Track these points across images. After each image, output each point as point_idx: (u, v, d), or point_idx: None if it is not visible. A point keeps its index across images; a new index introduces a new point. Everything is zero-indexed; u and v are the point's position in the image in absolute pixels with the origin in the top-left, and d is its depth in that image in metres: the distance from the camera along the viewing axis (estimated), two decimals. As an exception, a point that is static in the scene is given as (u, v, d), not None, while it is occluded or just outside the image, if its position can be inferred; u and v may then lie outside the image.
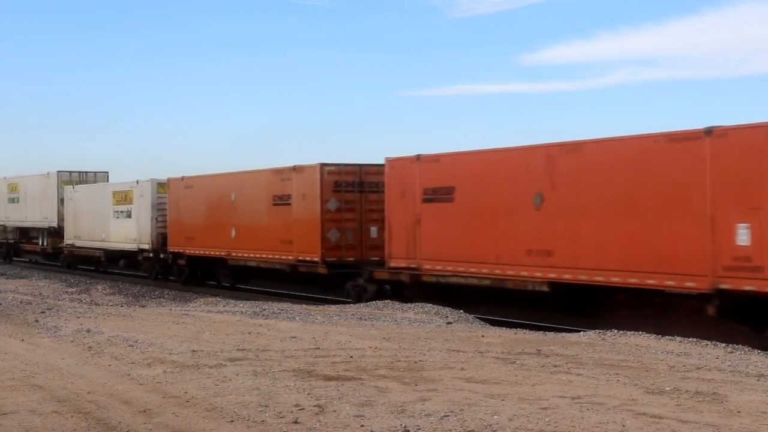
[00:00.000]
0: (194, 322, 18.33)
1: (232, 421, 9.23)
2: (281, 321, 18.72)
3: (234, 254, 31.05)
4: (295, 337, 15.78)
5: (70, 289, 32.08)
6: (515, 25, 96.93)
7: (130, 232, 37.94)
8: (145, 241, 36.82)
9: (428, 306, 20.90)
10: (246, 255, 30.43)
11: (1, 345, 15.30)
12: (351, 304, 23.63)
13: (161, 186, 36.37)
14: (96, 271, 42.86)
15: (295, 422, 9.08)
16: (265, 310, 21.12)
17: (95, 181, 45.55)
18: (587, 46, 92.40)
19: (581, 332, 16.84)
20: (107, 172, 47.52)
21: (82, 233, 42.60)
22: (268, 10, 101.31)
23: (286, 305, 22.80)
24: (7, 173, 59.44)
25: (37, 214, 47.64)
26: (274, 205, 28.63)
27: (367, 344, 14.72)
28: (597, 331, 16.59)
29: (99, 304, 24.69)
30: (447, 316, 19.71)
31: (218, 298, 26.41)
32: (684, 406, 9.74)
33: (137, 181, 37.87)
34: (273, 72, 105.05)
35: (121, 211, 38.78)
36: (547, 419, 9.10)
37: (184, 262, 34.53)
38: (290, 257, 27.55)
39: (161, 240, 36.03)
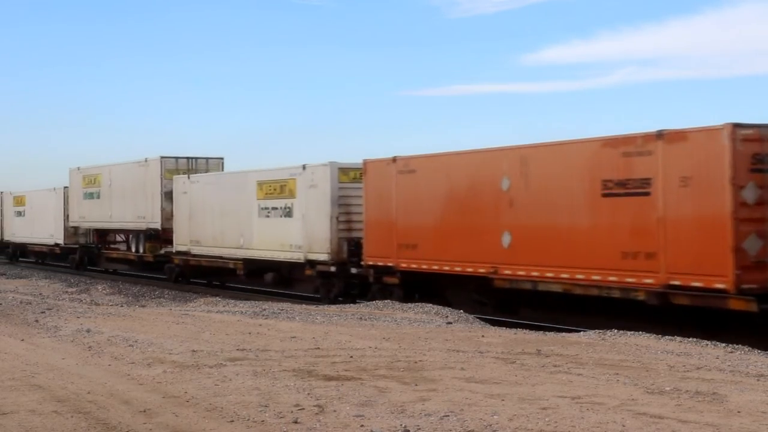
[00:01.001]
0: (194, 322, 18.33)
1: (232, 421, 9.23)
2: (281, 321, 18.72)
3: (508, 272, 20.46)
4: (295, 337, 15.78)
5: (70, 289, 32.09)
6: (515, 25, 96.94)
7: (289, 236, 27.67)
8: (320, 249, 26.32)
9: (428, 306, 20.90)
10: (537, 274, 19.73)
11: (1, 345, 15.30)
12: (352, 304, 23.62)
13: (343, 173, 26.40)
14: (221, 286, 33.52)
15: (295, 422, 9.08)
16: (265, 310, 21.12)
17: (207, 170, 36.01)
18: (587, 46, 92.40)
19: (581, 332, 16.84)
20: (222, 159, 37.68)
21: (203, 237, 32.58)
22: (268, 10, 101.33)
23: (286, 305, 22.80)
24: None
25: (127, 211, 38.07)
26: (606, 195, 18.15)
27: (367, 344, 14.72)
28: (597, 331, 16.59)
29: (99, 304, 24.68)
30: (447, 316, 19.71)
31: (218, 298, 26.41)
32: (684, 406, 9.74)
33: (303, 166, 27.23)
34: (273, 72, 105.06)
35: (274, 208, 28.53)
36: (547, 419, 9.10)
37: (397, 280, 23.73)
38: (651, 281, 17.26)
39: (347, 248, 25.84)
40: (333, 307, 22.19)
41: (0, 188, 56.17)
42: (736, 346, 14.58)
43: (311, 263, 26.75)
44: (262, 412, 9.54)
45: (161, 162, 36.00)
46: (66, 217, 44.40)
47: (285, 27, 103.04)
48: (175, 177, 34.92)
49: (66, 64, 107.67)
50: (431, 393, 10.51)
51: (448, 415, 9.26)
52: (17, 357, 13.90)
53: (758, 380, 11.40)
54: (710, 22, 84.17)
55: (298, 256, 27.31)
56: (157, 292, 32.23)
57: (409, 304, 21.35)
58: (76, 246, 44.31)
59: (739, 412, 9.44)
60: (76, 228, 43.98)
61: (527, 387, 10.89)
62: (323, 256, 26.17)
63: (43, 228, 47.18)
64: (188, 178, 34.09)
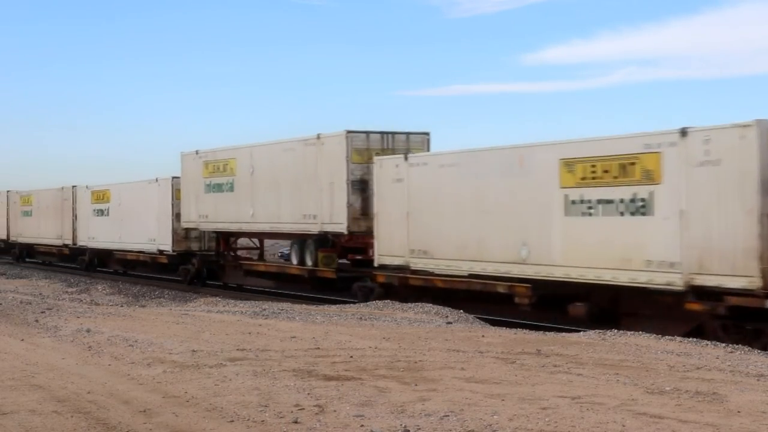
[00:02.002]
0: (194, 322, 18.33)
1: (232, 421, 9.23)
2: (281, 321, 18.72)
3: None
4: (295, 337, 15.78)
5: (70, 289, 32.09)
6: (516, 24, 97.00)
7: (643, 246, 17.34)
8: (727, 268, 15.80)
9: (428, 306, 20.88)
10: None
11: (1, 345, 15.30)
12: (351, 304, 23.62)
13: None
14: (491, 320, 20.30)
15: (295, 422, 9.08)
16: (265, 310, 21.12)
17: (408, 149, 25.32)
18: (588, 46, 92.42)
19: (581, 332, 16.83)
20: (427, 134, 26.90)
21: (436, 246, 22.38)
22: (268, 10, 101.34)
23: (286, 305, 22.79)
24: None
25: (284, 209, 27.70)
26: None
27: (367, 344, 14.72)
28: (597, 331, 16.58)
29: (99, 304, 24.68)
30: (447, 316, 19.70)
31: (218, 298, 26.41)
32: (684, 406, 9.74)
33: (683, 131, 16.64)
34: (273, 72, 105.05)
35: (604, 201, 18.09)
36: (547, 419, 9.10)
37: None
38: None
39: None
40: (333, 307, 22.18)
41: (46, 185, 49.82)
42: (736, 346, 14.58)
43: (701, 291, 16.31)
44: (262, 412, 9.54)
45: (347, 139, 25.16)
46: (175, 217, 34.48)
47: (285, 27, 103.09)
48: (377, 159, 24.50)
49: (63, 65, 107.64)
50: (431, 393, 10.51)
51: (448, 415, 9.26)
52: (17, 357, 13.90)
53: (758, 380, 11.40)
54: (710, 22, 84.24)
55: (666, 280, 16.80)
56: (156, 292, 32.24)
57: (409, 304, 21.33)
58: (193, 253, 34.69)
59: (739, 412, 9.44)
60: (187, 231, 34.49)
61: (527, 387, 10.89)
62: (739, 282, 15.61)
63: (139, 231, 37.27)
64: (405, 159, 23.53)
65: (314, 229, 26.54)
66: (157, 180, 36.21)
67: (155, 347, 14.48)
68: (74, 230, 43.80)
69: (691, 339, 15.27)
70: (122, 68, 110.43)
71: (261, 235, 32.15)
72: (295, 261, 28.12)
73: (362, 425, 8.93)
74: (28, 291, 30.26)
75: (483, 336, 16.14)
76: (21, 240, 51.15)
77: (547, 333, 17.07)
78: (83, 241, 42.89)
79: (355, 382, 11.29)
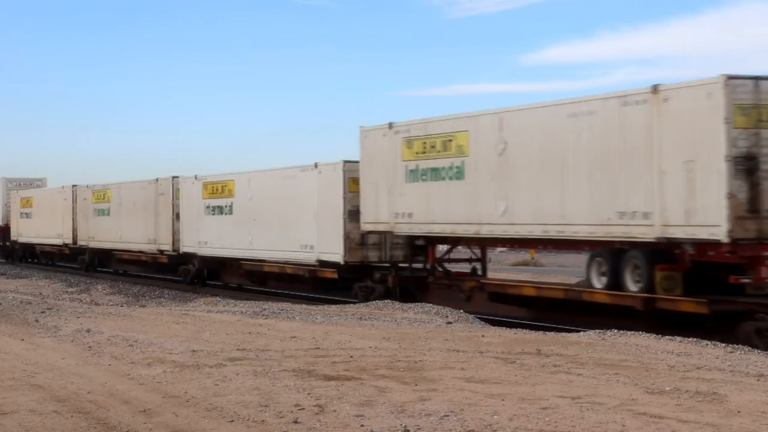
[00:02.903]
0: (194, 322, 18.33)
1: (232, 420, 9.23)
2: (281, 321, 18.72)
3: None
4: (295, 336, 15.78)
5: (70, 289, 32.08)
6: (516, 24, 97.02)
7: None
8: None
9: (428, 306, 20.89)
10: None
11: (1, 345, 15.29)
12: (351, 304, 23.62)
13: None
14: None
15: (295, 422, 9.08)
16: (265, 310, 21.12)
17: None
18: (588, 46, 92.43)
19: (581, 332, 16.83)
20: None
21: None
22: (268, 9, 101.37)
23: (286, 305, 22.79)
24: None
25: (576, 202, 18.51)
26: None
27: (367, 344, 14.72)
28: (597, 331, 16.57)
29: (99, 304, 24.69)
30: (447, 316, 19.70)
31: (218, 298, 26.40)
32: (684, 406, 9.74)
33: None
34: (273, 71, 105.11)
35: None
36: (547, 419, 9.10)
37: None
38: None
39: None
40: (333, 307, 22.18)
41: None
42: (736, 346, 14.58)
43: None
44: (262, 412, 9.53)
45: (726, 87, 15.61)
46: (347, 216, 25.20)
47: (285, 27, 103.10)
48: None
49: (65, 64, 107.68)
50: (431, 393, 10.50)
51: (448, 415, 9.26)
52: (17, 357, 13.90)
53: (758, 380, 11.40)
54: (711, 22, 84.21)
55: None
56: (156, 292, 32.21)
57: (409, 304, 21.34)
58: (373, 265, 25.50)
59: (739, 412, 9.44)
60: (363, 235, 25.20)
61: (527, 387, 10.88)
62: None
63: (283, 235, 28.01)
64: None
65: (647, 233, 16.95)
66: (316, 166, 26.53)
67: (155, 347, 14.48)
68: (175, 233, 34.26)
69: (691, 339, 15.26)
70: (123, 70, 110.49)
71: (524, 243, 23.76)
72: (598, 283, 18.53)
73: (362, 425, 8.93)
74: (28, 291, 30.27)
75: (483, 336, 16.14)
76: (93, 245, 41.27)
77: (547, 333, 17.07)
78: (190, 246, 33.35)
79: (355, 382, 11.29)
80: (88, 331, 16.69)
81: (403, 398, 10.20)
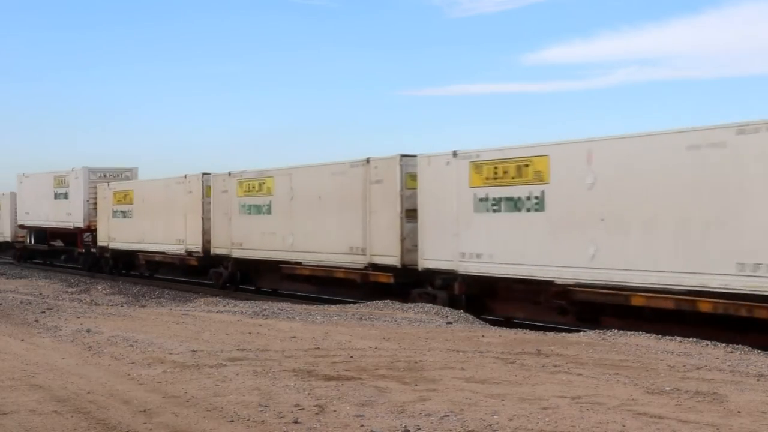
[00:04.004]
0: (194, 322, 18.33)
1: (232, 421, 9.24)
2: (281, 321, 18.72)
3: None
4: (295, 337, 15.79)
5: (70, 289, 32.08)
6: (516, 24, 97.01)
7: None
8: None
9: (428, 306, 20.91)
10: None
11: (1, 345, 15.30)
12: (351, 304, 23.63)
13: None
14: None
15: (295, 422, 9.08)
16: (265, 310, 21.13)
17: None
18: (588, 46, 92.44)
19: (581, 332, 16.84)
20: None
21: None
22: (268, 9, 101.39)
23: (286, 305, 22.80)
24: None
25: None
26: None
27: (367, 344, 14.73)
28: (597, 331, 16.59)
29: (99, 304, 24.69)
30: (447, 316, 19.71)
31: (218, 298, 26.41)
32: (684, 406, 9.74)
33: None
34: (273, 72, 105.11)
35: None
36: (547, 419, 9.10)
37: None
38: None
39: None
40: (333, 307, 22.18)
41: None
42: (736, 346, 14.58)
43: None
44: (262, 412, 9.54)
45: None
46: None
47: (285, 27, 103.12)
48: None
49: (66, 64, 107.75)
50: (431, 393, 10.51)
51: (448, 415, 9.27)
52: (17, 357, 13.90)
53: (758, 380, 11.40)
54: (712, 21, 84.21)
55: None
56: (156, 292, 32.22)
57: (409, 304, 21.37)
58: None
59: (739, 412, 9.45)
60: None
61: (527, 387, 10.89)
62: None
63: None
64: None
65: None
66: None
67: (155, 347, 14.48)
68: (404, 239, 23.06)
69: (691, 339, 15.28)
70: (123, 70, 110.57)
71: None
72: None
73: (362, 425, 8.93)
74: (28, 291, 30.26)
75: (483, 336, 16.14)
76: (239, 254, 30.33)
77: (547, 333, 17.08)
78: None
79: (355, 382, 11.30)
80: (88, 331, 16.70)
81: (403, 398, 10.20)
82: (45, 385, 11.41)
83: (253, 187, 29.61)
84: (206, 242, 32.22)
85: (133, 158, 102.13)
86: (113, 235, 39.12)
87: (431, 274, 22.26)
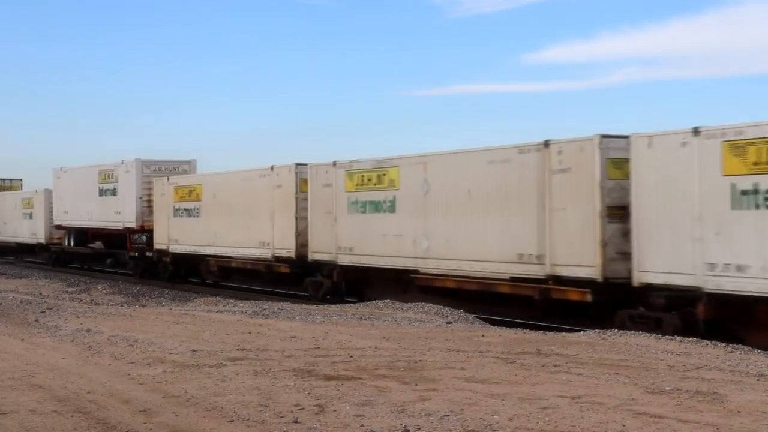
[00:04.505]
0: (194, 322, 18.33)
1: (232, 420, 9.23)
2: (281, 321, 18.72)
3: None
4: (295, 336, 15.78)
5: (70, 289, 32.07)
6: (517, 24, 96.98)
7: None
8: None
9: (428, 306, 20.90)
10: None
11: (1, 345, 15.30)
12: (351, 304, 23.63)
13: None
14: None
15: (295, 422, 9.08)
16: (265, 309, 21.13)
17: None
18: (589, 46, 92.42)
19: (581, 332, 16.84)
20: None
21: None
22: (268, 9, 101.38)
23: (286, 305, 22.80)
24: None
25: None
26: None
27: (367, 344, 14.72)
28: (597, 330, 16.59)
29: (99, 304, 24.68)
30: (447, 316, 19.71)
31: (218, 298, 26.39)
32: (684, 405, 9.74)
33: None
34: (273, 72, 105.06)
35: None
36: (547, 419, 9.10)
37: None
38: None
39: None
40: (333, 307, 22.18)
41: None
42: (736, 346, 14.58)
43: None
44: (262, 412, 9.53)
45: None
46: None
47: (286, 27, 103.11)
48: None
49: (66, 64, 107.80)
50: (431, 393, 10.51)
51: (448, 415, 9.26)
52: (17, 356, 13.90)
53: (758, 380, 11.40)
54: (712, 21, 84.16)
55: None
56: (157, 292, 32.20)
57: (409, 304, 21.34)
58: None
59: (739, 411, 9.44)
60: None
61: (527, 387, 10.89)
62: None
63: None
64: None
65: None
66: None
67: (155, 347, 14.48)
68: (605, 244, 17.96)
69: (691, 339, 15.28)
70: (124, 70, 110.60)
71: None
72: None
73: (362, 425, 8.93)
74: (28, 291, 30.24)
75: (483, 336, 16.14)
76: (347, 260, 25.18)
77: (547, 333, 17.08)
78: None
79: (355, 381, 11.29)
80: (88, 330, 16.69)
81: (403, 398, 10.20)
82: (45, 385, 11.41)
83: (369, 180, 24.34)
84: (300, 246, 26.86)
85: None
86: (175, 236, 33.66)
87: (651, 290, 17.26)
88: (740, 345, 14.73)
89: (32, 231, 47.73)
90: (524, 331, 17.42)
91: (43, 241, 46.58)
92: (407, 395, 10.37)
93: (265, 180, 28.58)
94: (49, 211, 45.20)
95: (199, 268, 33.04)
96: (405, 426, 8.83)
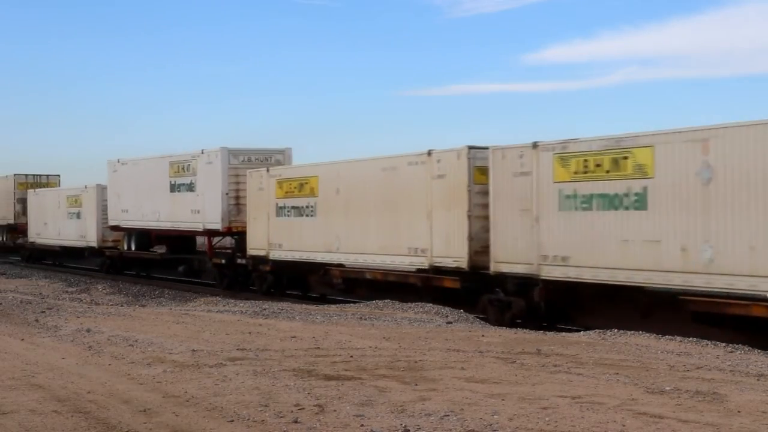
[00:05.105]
0: (194, 322, 18.33)
1: (232, 420, 9.23)
2: (281, 321, 18.72)
3: None
4: (295, 336, 15.78)
5: (70, 289, 32.07)
6: (517, 24, 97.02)
7: None
8: None
9: (428, 306, 20.89)
10: None
11: (1, 345, 15.29)
12: (351, 304, 23.62)
13: None
14: None
15: (295, 422, 9.08)
16: (265, 309, 21.12)
17: None
18: (589, 46, 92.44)
19: (581, 332, 16.84)
20: None
21: None
22: (268, 9, 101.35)
23: (285, 305, 22.79)
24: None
25: None
26: None
27: (367, 344, 14.72)
28: (597, 330, 16.58)
29: (99, 304, 24.68)
30: (447, 316, 19.70)
31: (218, 298, 26.38)
32: (684, 405, 9.74)
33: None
34: (273, 71, 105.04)
35: None
36: (547, 419, 9.10)
37: None
38: None
39: None
40: (333, 307, 22.19)
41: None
42: (736, 346, 14.57)
43: None
44: (262, 412, 9.53)
45: None
46: None
47: (286, 27, 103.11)
48: None
49: (67, 65, 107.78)
50: (431, 393, 10.50)
51: (449, 415, 9.26)
52: (17, 356, 13.90)
53: (758, 380, 11.40)
54: (712, 21, 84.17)
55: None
56: (157, 292, 32.19)
57: (409, 304, 21.33)
58: None
59: (739, 411, 9.44)
60: None
61: (527, 387, 10.88)
62: None
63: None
64: None
65: None
66: None
67: (155, 347, 14.48)
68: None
69: (691, 339, 15.27)
70: (124, 70, 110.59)
71: None
72: None
73: (362, 425, 8.93)
74: (28, 290, 30.24)
75: (483, 336, 16.14)
76: (561, 274, 18.91)
77: (547, 333, 17.08)
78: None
79: (355, 381, 11.29)
80: (88, 330, 16.69)
81: (403, 398, 10.20)
82: (45, 385, 11.41)
83: (598, 166, 18.10)
84: (474, 253, 20.99)
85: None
86: (278, 240, 27.77)
87: None
88: (740, 345, 14.72)
89: (81, 233, 41.89)
90: (524, 331, 17.42)
91: (94, 244, 40.83)
92: (407, 395, 10.37)
93: (418, 169, 22.57)
94: (102, 210, 39.62)
95: (309, 278, 27.80)
96: (405, 426, 8.83)
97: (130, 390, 10.94)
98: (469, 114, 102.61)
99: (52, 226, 44.95)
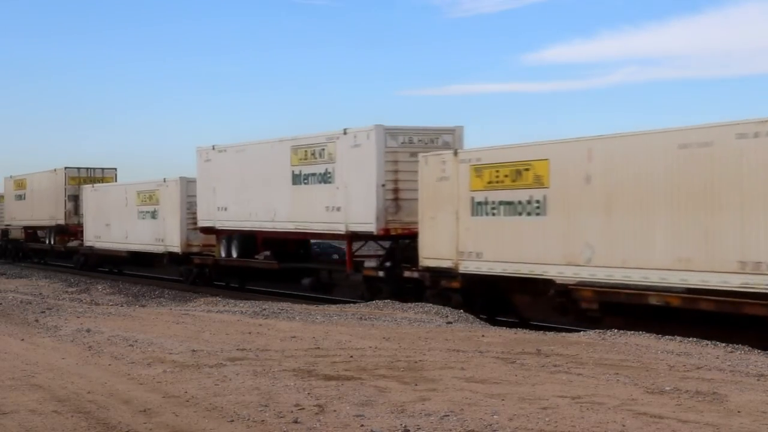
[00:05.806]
0: (194, 322, 18.33)
1: (232, 420, 9.23)
2: (281, 321, 18.72)
3: None
4: (295, 336, 15.78)
5: (70, 289, 32.07)
6: (516, 24, 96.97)
7: None
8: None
9: (428, 306, 20.89)
10: None
11: (1, 345, 15.30)
12: (351, 304, 23.62)
13: None
14: None
15: (295, 422, 9.08)
16: (265, 309, 21.12)
17: None
18: (589, 46, 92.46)
19: (581, 332, 16.84)
20: None
21: None
22: (268, 9, 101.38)
23: (286, 305, 22.79)
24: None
25: None
26: None
27: (367, 344, 14.72)
28: (597, 330, 16.58)
29: (99, 304, 24.68)
30: (447, 316, 19.70)
31: (218, 298, 26.37)
32: (684, 405, 9.74)
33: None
34: (273, 71, 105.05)
35: None
36: (547, 419, 9.10)
37: None
38: None
39: None
40: (333, 307, 22.18)
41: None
42: (736, 346, 14.57)
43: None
44: (262, 412, 9.53)
45: None
46: None
47: (286, 27, 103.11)
48: None
49: (67, 64, 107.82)
50: (431, 393, 10.50)
51: (448, 415, 9.26)
52: (17, 357, 13.90)
53: (758, 380, 11.40)
54: (712, 21, 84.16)
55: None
56: (157, 292, 32.18)
57: (409, 304, 21.34)
58: None
59: (739, 412, 9.44)
60: None
61: (527, 387, 10.88)
62: None
63: None
64: None
65: None
66: None
67: (155, 347, 14.48)
68: None
69: (691, 339, 15.27)
70: (124, 70, 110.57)
71: None
72: None
73: (362, 425, 8.93)
74: (28, 291, 30.24)
75: (483, 336, 16.14)
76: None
77: (547, 333, 17.08)
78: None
79: (355, 381, 11.29)
80: (88, 331, 16.69)
81: (403, 398, 10.20)
82: (45, 385, 11.41)
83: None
84: None
85: (132, 158, 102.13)
86: (475, 247, 21.01)
87: None
88: (740, 345, 14.72)
89: (157, 235, 34.98)
90: (524, 331, 17.43)
91: (176, 249, 33.83)
92: (407, 395, 10.37)
93: (747, 144, 15.30)
94: (186, 208, 33.18)
95: (515, 299, 20.91)
96: (405, 426, 8.83)
97: (130, 390, 10.94)
98: (468, 114, 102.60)
99: (117, 227, 38.19)
